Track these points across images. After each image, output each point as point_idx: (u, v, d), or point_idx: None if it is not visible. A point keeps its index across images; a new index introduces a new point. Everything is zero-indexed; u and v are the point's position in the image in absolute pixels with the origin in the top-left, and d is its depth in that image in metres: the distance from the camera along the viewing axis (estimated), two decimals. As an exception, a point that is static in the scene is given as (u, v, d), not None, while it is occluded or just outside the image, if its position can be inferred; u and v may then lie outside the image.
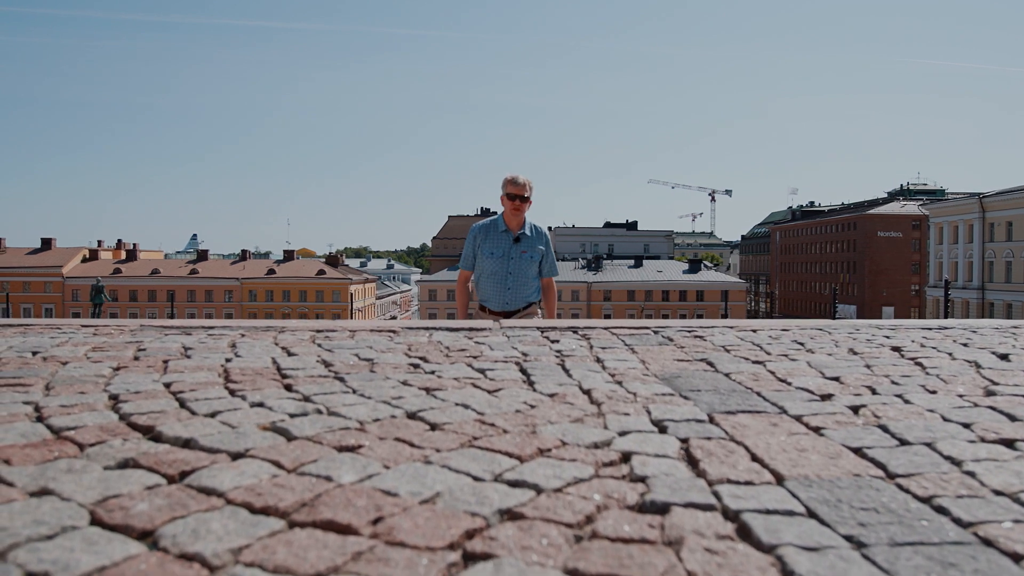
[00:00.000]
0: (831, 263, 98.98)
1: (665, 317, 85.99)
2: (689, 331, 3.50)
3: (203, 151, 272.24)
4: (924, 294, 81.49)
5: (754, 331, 3.52)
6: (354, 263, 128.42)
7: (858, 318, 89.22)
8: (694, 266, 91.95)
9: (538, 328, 3.58)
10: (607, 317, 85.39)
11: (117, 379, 2.23)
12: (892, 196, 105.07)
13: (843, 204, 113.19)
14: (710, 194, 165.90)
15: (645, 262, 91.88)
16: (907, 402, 2.00)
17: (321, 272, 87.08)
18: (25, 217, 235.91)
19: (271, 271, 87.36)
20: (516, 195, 5.13)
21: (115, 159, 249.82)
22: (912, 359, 2.69)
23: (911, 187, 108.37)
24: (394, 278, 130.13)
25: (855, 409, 1.93)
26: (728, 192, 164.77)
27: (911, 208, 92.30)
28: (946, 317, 54.39)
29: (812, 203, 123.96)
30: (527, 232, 5.30)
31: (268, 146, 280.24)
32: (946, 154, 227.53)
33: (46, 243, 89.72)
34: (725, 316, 79.86)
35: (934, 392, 2.12)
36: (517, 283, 5.22)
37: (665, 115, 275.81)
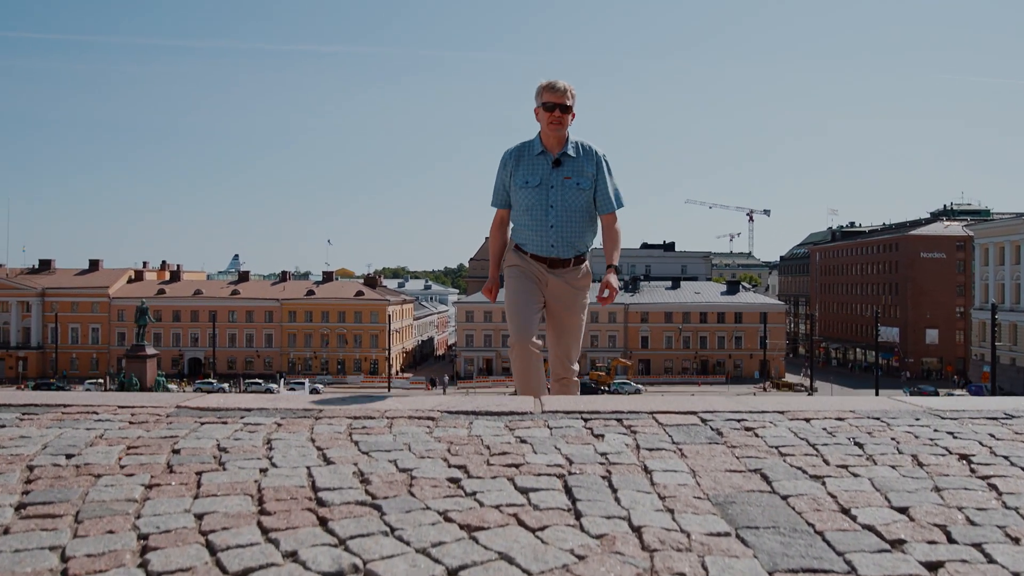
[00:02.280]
0: (872, 284, 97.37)
1: (703, 339, 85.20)
2: (739, 420, 3.35)
3: (245, 172, 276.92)
4: (970, 316, 79.64)
5: (807, 420, 3.36)
6: (392, 284, 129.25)
7: (900, 340, 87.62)
8: (732, 287, 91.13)
9: (581, 417, 3.44)
10: (644, 339, 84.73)
11: (148, 507, 2.16)
12: (935, 216, 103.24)
13: (884, 225, 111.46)
14: (748, 214, 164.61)
15: (683, 283, 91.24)
16: (989, 559, 1.84)
17: (359, 293, 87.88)
18: (75, 238, 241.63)
19: (310, 292, 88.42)
20: (555, 103, 4.11)
21: (161, 181, 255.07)
22: (983, 477, 2.52)
23: (954, 207, 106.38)
24: (431, 299, 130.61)
25: (932, 568, 1.78)
26: (766, 212, 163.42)
27: (955, 228, 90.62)
28: (993, 341, 52.56)
29: (852, 223, 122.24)
30: (570, 152, 4.22)
31: (308, 167, 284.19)
32: (990, 174, 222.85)
33: (94, 264, 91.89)
34: (764, 338, 78.72)
35: (1017, 541, 1.96)
36: (562, 220, 4.18)
37: (702, 135, 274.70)
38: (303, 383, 65.25)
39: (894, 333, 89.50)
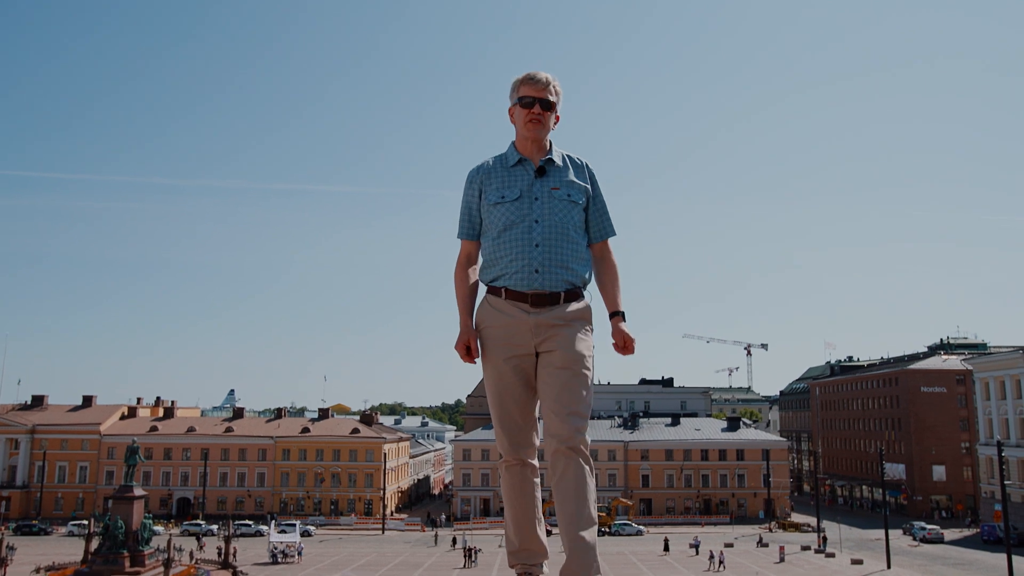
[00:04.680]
0: (874, 420, 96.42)
1: (705, 478, 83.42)
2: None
3: (242, 307, 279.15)
4: (976, 452, 78.39)
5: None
6: (388, 420, 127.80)
7: (907, 477, 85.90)
8: (733, 423, 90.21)
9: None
10: (645, 478, 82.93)
11: None
12: (932, 350, 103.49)
13: (882, 358, 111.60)
14: (746, 348, 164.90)
15: (682, 420, 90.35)
16: None
17: (355, 431, 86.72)
18: (70, 374, 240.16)
19: (305, 429, 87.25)
20: (534, 98, 3.31)
21: (158, 316, 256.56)
22: None
23: (951, 341, 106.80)
24: (428, 436, 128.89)
25: None
26: (764, 346, 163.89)
27: (953, 362, 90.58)
28: (1002, 480, 51.56)
29: (850, 358, 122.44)
30: (556, 161, 3.40)
31: (306, 302, 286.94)
32: (984, 307, 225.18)
33: (87, 400, 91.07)
34: (767, 476, 77.24)
35: None
36: (551, 238, 3.26)
37: (697, 268, 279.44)
38: (294, 525, 63.28)
39: (900, 470, 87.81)
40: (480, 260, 3.49)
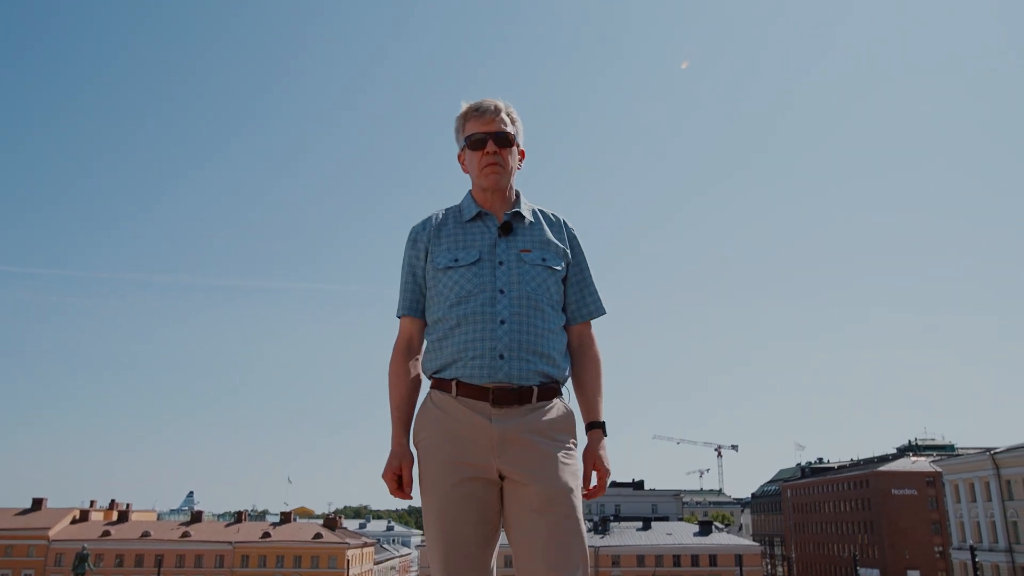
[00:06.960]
0: (847, 523, 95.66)
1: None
2: None
3: (205, 406, 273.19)
4: (950, 557, 77.60)
5: None
6: (353, 524, 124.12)
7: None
8: (705, 527, 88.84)
9: None
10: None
11: None
12: (901, 452, 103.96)
13: (852, 460, 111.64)
14: (716, 449, 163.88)
15: (654, 524, 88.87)
16: None
17: (318, 536, 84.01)
18: (18, 476, 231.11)
19: (266, 534, 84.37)
20: (486, 135, 2.56)
21: (113, 415, 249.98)
22: None
23: (919, 443, 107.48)
24: (393, 541, 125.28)
25: None
26: (734, 447, 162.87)
27: (922, 464, 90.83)
28: (977, 585, 50.65)
29: (820, 459, 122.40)
30: (526, 214, 2.61)
31: (269, 401, 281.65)
32: (950, 407, 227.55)
33: (37, 503, 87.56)
34: (742, 583, 74.63)
35: None
36: (520, 314, 2.43)
37: (664, 366, 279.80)
38: (251, 637, 60.38)
39: (875, 575, 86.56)
40: (424, 345, 2.62)
